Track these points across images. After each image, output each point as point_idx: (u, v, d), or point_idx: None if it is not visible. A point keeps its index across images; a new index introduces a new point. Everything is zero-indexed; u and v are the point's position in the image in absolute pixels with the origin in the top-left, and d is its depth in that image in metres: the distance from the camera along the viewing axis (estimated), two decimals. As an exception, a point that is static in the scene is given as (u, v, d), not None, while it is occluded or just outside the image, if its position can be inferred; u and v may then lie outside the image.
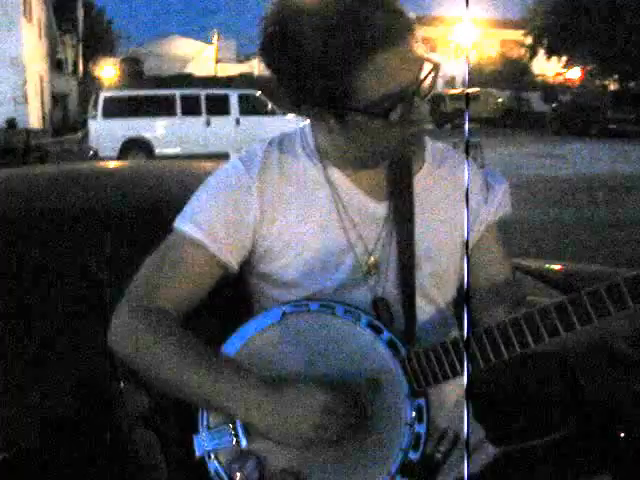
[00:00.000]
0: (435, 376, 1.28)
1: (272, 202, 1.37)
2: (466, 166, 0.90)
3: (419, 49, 1.25)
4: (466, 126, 0.86)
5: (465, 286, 0.89)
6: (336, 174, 1.40)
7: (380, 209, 1.40)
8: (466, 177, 0.87)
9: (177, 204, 1.42)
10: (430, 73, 1.26)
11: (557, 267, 3.23)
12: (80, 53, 38.29)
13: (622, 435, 1.94)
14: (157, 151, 18.85)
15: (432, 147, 1.49)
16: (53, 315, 1.80)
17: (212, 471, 1.29)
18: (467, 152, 1.03)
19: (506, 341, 1.26)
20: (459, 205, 1.44)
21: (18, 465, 1.65)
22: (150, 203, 1.99)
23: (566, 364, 2.06)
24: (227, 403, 1.25)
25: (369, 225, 1.39)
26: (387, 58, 1.22)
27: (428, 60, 1.26)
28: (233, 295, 1.49)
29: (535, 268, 2.88)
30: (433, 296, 1.43)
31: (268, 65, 1.31)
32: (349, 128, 1.30)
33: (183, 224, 1.37)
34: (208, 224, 1.35)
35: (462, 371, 1.27)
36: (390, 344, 1.29)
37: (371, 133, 1.29)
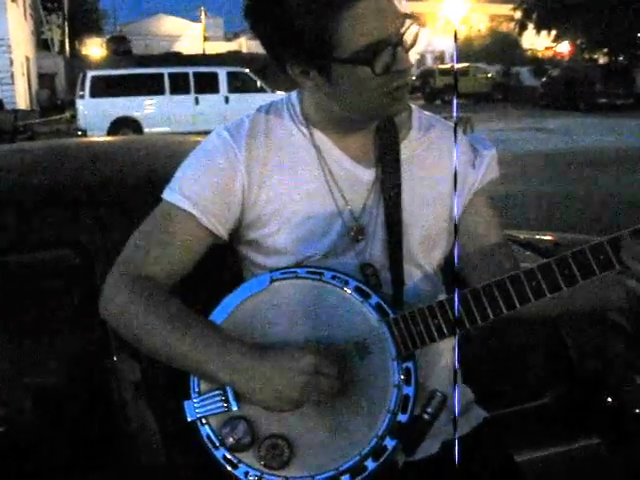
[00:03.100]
0: (422, 338, 1.29)
1: (259, 169, 1.37)
2: (455, 144, 0.90)
3: (400, 3, 1.27)
4: (454, 102, 0.87)
5: (455, 260, 0.90)
6: (323, 139, 1.40)
7: (367, 175, 1.41)
8: (454, 157, 0.88)
9: (168, 177, 1.42)
10: (410, 25, 1.28)
11: (546, 237, 3.25)
12: (66, 32, 37.90)
13: (610, 400, 1.96)
14: (146, 130, 18.76)
15: (419, 114, 1.49)
16: (44, 289, 1.80)
17: (204, 436, 1.31)
18: (456, 129, 1.04)
19: (492, 302, 1.27)
20: (445, 171, 1.45)
21: (15, 438, 1.66)
22: (141, 176, 1.99)
23: (556, 330, 2.08)
24: (213, 369, 1.26)
25: (356, 191, 1.40)
26: (368, 7, 1.24)
27: (409, 15, 1.28)
28: (222, 263, 1.49)
29: (524, 238, 2.90)
30: (421, 261, 1.44)
31: (253, 27, 1.32)
32: (335, 83, 1.30)
33: (171, 195, 1.38)
34: (196, 194, 1.36)
35: (448, 333, 1.29)
36: (378, 308, 1.30)
37: (357, 86, 1.29)
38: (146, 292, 1.32)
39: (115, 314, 1.34)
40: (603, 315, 2.13)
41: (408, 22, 1.28)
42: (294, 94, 1.45)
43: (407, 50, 1.29)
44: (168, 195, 1.38)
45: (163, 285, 1.35)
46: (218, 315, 1.33)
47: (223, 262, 1.50)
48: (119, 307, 1.33)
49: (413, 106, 1.50)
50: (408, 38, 1.29)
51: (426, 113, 1.52)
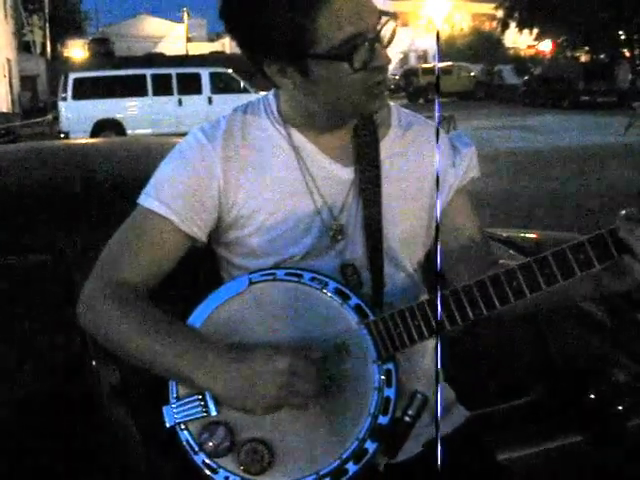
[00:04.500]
0: (402, 340, 1.29)
1: (236, 170, 1.36)
2: (435, 145, 0.89)
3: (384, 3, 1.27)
4: (437, 101, 0.86)
5: (437, 263, 0.90)
6: (300, 139, 1.39)
7: (346, 174, 1.40)
8: (435, 155, 0.87)
9: (146, 179, 1.41)
10: (387, 22, 1.27)
11: (528, 235, 3.26)
12: (48, 34, 37.65)
13: (592, 397, 1.96)
14: (129, 132, 18.71)
15: (398, 112, 1.49)
16: (21, 294, 1.78)
17: (183, 441, 1.29)
18: (437, 130, 1.03)
19: (472, 303, 1.27)
20: (425, 170, 1.44)
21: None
22: (123, 178, 1.97)
23: (536, 328, 2.08)
24: (190, 374, 1.25)
25: (335, 190, 1.39)
26: (344, 3, 1.23)
27: (385, 12, 1.27)
28: (202, 264, 1.48)
29: (506, 236, 2.90)
30: (401, 261, 1.43)
31: (228, 26, 1.31)
32: (313, 81, 1.29)
33: (147, 200, 1.36)
34: (172, 199, 1.34)
35: (429, 334, 1.28)
36: (358, 310, 1.29)
37: (335, 83, 1.28)
38: (123, 298, 1.31)
39: (92, 320, 1.32)
40: (583, 311, 2.13)
41: (385, 19, 1.27)
42: (271, 94, 1.44)
43: (385, 46, 1.29)
44: (144, 200, 1.37)
45: (141, 290, 1.34)
46: (196, 318, 1.32)
47: (201, 264, 1.48)
48: (96, 313, 1.32)
49: (392, 104, 1.49)
50: (385, 34, 1.28)
51: (405, 111, 1.51)
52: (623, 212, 1.27)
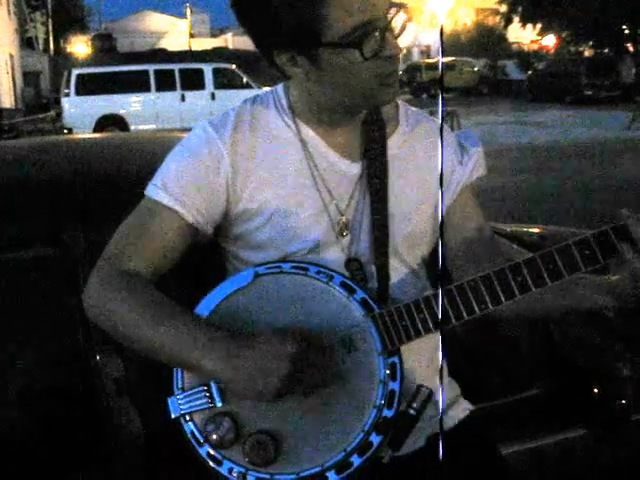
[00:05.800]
0: (408, 333, 1.29)
1: (244, 164, 1.36)
2: (441, 142, 0.90)
3: None
4: (440, 97, 0.86)
5: (440, 255, 0.89)
6: (309, 133, 1.39)
7: (353, 169, 1.40)
8: (439, 153, 0.88)
9: (154, 173, 1.41)
10: (398, 12, 1.27)
11: (532, 230, 3.26)
12: (50, 30, 37.69)
13: (595, 391, 1.97)
14: (132, 127, 18.71)
15: (406, 110, 1.49)
16: (27, 287, 1.79)
17: (188, 432, 1.29)
18: (442, 127, 1.03)
19: (477, 297, 1.27)
20: (432, 167, 1.45)
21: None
22: (126, 173, 1.98)
23: (541, 322, 2.09)
24: (197, 357, 1.24)
25: (341, 185, 1.39)
26: None
27: (395, 4, 1.28)
28: (207, 257, 1.48)
29: (510, 231, 2.90)
30: (406, 256, 1.43)
31: (239, 17, 1.31)
32: (324, 69, 1.29)
33: (154, 191, 1.36)
34: (179, 190, 1.34)
35: (434, 328, 1.28)
36: (363, 303, 1.30)
37: (346, 71, 1.28)
38: (129, 287, 1.30)
39: (98, 309, 1.32)
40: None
41: (395, 9, 1.27)
42: (280, 86, 1.43)
43: (396, 36, 1.29)
44: (151, 191, 1.37)
45: (146, 279, 1.33)
46: (202, 310, 1.32)
47: (207, 257, 1.49)
48: (102, 302, 1.31)
49: (400, 102, 1.49)
50: (396, 24, 1.28)
51: (413, 109, 1.51)
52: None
